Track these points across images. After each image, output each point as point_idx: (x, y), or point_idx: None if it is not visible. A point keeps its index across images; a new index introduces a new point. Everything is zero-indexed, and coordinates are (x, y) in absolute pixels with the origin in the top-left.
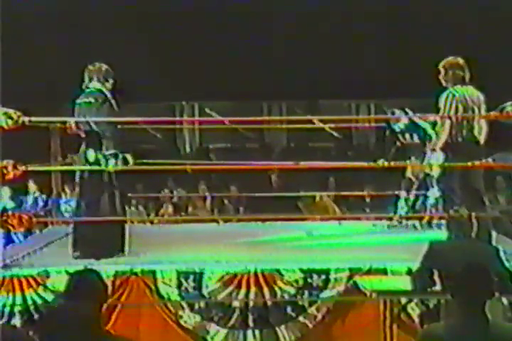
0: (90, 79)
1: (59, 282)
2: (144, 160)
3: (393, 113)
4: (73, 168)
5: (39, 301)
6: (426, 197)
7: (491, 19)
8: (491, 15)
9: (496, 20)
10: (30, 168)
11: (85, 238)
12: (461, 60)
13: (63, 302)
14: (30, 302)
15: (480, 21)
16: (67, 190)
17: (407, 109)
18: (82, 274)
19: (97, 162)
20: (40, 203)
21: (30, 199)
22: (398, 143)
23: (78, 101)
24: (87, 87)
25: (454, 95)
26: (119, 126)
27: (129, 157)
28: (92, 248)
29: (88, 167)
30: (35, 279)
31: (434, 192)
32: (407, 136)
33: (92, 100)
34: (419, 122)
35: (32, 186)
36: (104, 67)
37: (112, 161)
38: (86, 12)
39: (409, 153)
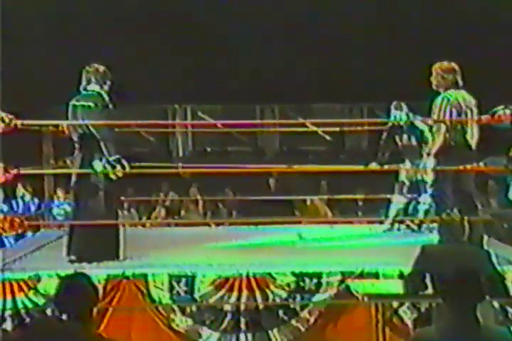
0: (88, 81)
1: (50, 286)
2: (137, 164)
3: (400, 106)
4: (65, 171)
5: (30, 305)
6: (418, 201)
7: (483, 24)
8: (484, 20)
9: (489, 25)
10: (22, 172)
11: (80, 242)
12: (453, 65)
13: (54, 307)
14: (21, 306)
15: (473, 26)
16: (59, 193)
17: (404, 106)
18: (72, 278)
19: (104, 170)
20: (33, 207)
21: (20, 202)
22: (393, 146)
23: (75, 103)
24: (85, 89)
25: (448, 100)
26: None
27: (125, 163)
28: (86, 252)
29: (80, 170)
30: (26, 283)
31: (426, 198)
32: (405, 136)
33: (92, 104)
34: (417, 124)
35: (20, 189)
36: (102, 68)
37: (118, 167)
38: (76, 13)
39: (404, 155)
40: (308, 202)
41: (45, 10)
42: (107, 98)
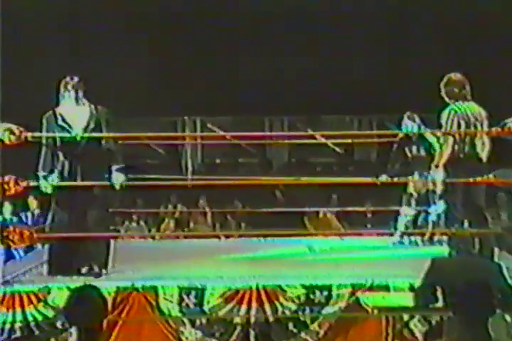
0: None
1: (60, 298)
2: (146, 176)
3: (413, 117)
4: (75, 183)
5: (40, 318)
6: (428, 213)
7: (493, 35)
8: (493, 31)
9: (498, 36)
10: (32, 184)
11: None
12: (462, 76)
13: (64, 319)
14: (30, 318)
15: (482, 37)
16: None
17: (417, 117)
18: (82, 290)
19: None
20: (41, 219)
21: (29, 214)
22: (403, 158)
23: None
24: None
25: (455, 112)
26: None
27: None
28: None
29: (95, 182)
30: (36, 295)
31: (435, 209)
32: (414, 148)
33: None
34: (426, 136)
35: (32, 202)
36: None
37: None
38: (86, 24)
39: (413, 168)
40: (320, 215)
41: (49, 16)
42: None
